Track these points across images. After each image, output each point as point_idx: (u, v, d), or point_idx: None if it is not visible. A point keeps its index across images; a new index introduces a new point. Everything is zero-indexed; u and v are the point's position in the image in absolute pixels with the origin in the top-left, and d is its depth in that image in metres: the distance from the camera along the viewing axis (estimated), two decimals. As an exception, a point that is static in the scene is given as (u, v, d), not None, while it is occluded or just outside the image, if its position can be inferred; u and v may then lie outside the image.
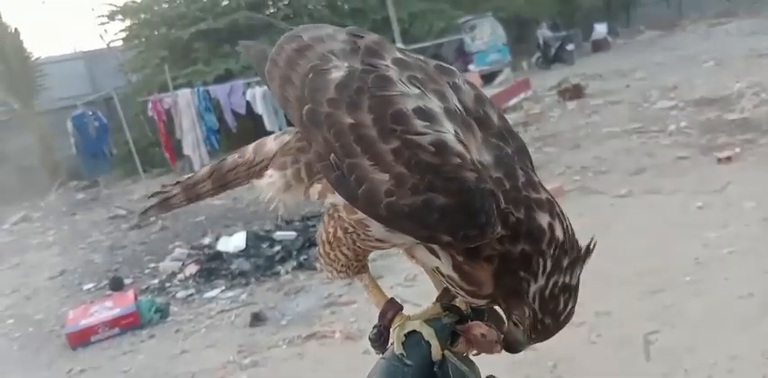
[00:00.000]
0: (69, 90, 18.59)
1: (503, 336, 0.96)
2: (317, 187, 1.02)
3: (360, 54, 0.96)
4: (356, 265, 1.08)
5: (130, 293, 7.09)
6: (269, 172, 1.12)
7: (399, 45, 10.87)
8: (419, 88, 0.91)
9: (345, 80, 0.92)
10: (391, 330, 0.99)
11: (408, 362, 0.92)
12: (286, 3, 20.65)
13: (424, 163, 0.84)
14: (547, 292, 0.87)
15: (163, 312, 6.75)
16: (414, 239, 0.90)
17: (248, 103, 13.06)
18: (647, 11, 28.22)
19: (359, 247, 1.02)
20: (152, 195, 1.30)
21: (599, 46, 23.58)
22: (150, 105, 13.50)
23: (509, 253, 0.86)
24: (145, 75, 18.86)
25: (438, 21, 20.62)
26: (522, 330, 0.92)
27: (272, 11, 20.63)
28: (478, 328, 0.97)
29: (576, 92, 14.23)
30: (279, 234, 8.13)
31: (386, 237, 0.94)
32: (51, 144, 18.16)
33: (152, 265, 8.63)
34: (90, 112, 12.91)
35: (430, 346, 0.94)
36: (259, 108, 12.83)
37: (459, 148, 0.86)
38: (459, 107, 0.92)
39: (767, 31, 18.02)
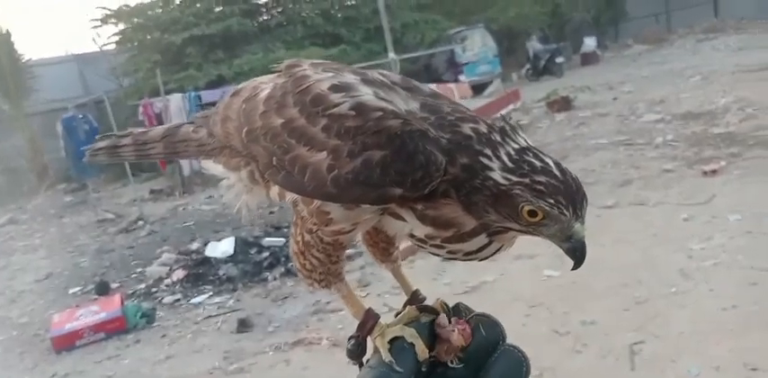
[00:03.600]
0: (60, 92, 18.54)
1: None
2: (275, 189, 1.05)
3: (283, 73, 1.03)
4: (333, 270, 1.07)
5: (117, 298, 7.05)
6: (223, 171, 1.16)
7: (392, 54, 10.90)
8: (333, 73, 0.97)
9: (271, 93, 0.99)
10: (371, 340, 0.98)
11: (398, 369, 0.90)
12: (280, 10, 20.73)
13: (351, 127, 0.87)
14: (509, 163, 0.85)
15: (149, 317, 6.72)
16: (372, 207, 0.91)
17: (239, 109, 13.04)
18: (635, 25, 28.55)
19: (328, 244, 1.02)
20: (102, 137, 1.35)
21: (588, 59, 23.84)
22: (141, 109, 13.44)
23: (456, 177, 0.86)
24: (136, 79, 18.88)
25: (430, 31, 20.80)
26: (550, 224, 0.87)
27: (265, 18, 20.72)
28: (447, 323, 0.95)
29: (564, 104, 14.35)
30: (267, 240, 8.13)
31: (348, 217, 0.94)
32: (40, 146, 18.07)
33: (139, 269, 8.59)
34: (80, 115, 12.77)
35: (415, 348, 0.92)
36: (249, 114, 12.82)
37: (378, 103, 0.89)
38: (381, 78, 0.97)
39: (753, 47, 18.27)
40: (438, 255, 0.96)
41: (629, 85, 16.04)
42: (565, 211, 0.85)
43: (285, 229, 8.56)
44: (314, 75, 0.97)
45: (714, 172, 7.73)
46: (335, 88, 0.92)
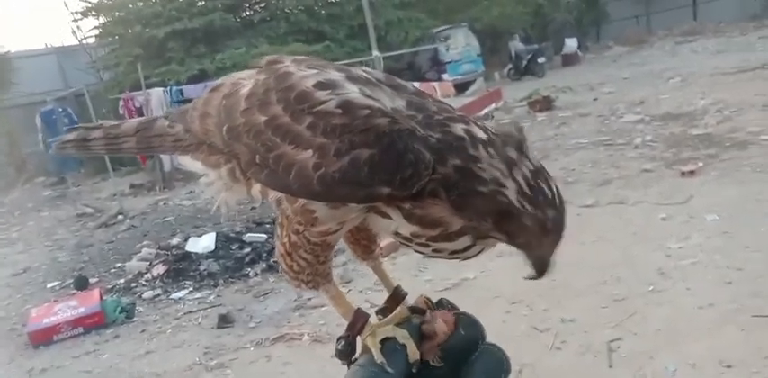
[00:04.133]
0: (39, 85, 18.34)
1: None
2: (257, 187, 1.03)
3: (263, 69, 1.02)
4: (321, 270, 1.06)
5: (96, 292, 6.98)
6: (201, 168, 1.13)
7: (375, 52, 10.90)
8: (317, 69, 0.96)
9: (253, 89, 0.98)
10: (361, 340, 0.98)
11: (389, 370, 0.89)
12: (263, 6, 20.62)
13: (338, 126, 0.86)
14: (525, 188, 0.84)
15: (128, 312, 6.67)
16: (358, 206, 0.90)
17: (221, 105, 12.95)
18: (616, 27, 28.83)
19: (315, 245, 1.01)
20: (71, 129, 1.31)
21: (569, 60, 24.01)
22: (122, 103, 13.32)
23: (446, 177, 0.85)
24: (117, 72, 18.68)
25: (414, 29, 20.84)
26: (536, 250, 0.88)
27: (248, 13, 20.61)
28: (438, 317, 0.96)
29: (545, 104, 14.46)
30: (249, 236, 8.10)
31: (333, 216, 0.93)
32: (19, 139, 17.83)
33: (118, 264, 8.52)
34: (60, 109, 12.67)
35: (406, 349, 0.92)
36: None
37: (366, 101, 0.88)
38: (366, 76, 0.95)
39: (731, 50, 18.54)
40: (423, 253, 0.96)
41: (610, 85, 16.19)
42: (555, 246, 0.88)
43: (267, 225, 8.54)
44: (298, 71, 0.95)
45: (692, 172, 7.84)
46: (321, 85, 0.91)
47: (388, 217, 0.91)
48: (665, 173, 8.17)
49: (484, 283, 5.74)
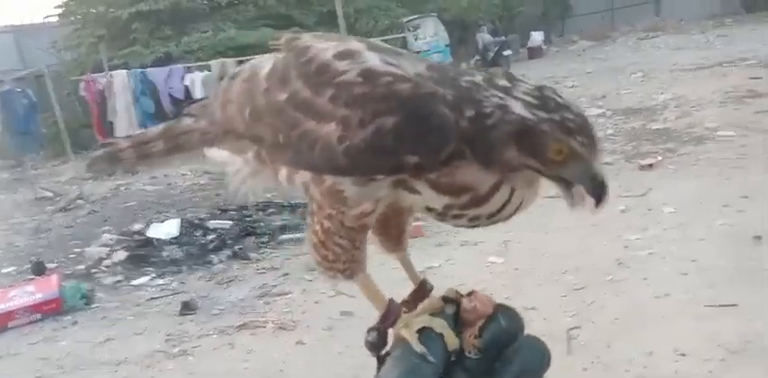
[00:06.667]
0: (-4, 65, 17.76)
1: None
2: (283, 173, 0.99)
3: (282, 47, 0.99)
4: (357, 257, 1.01)
5: (54, 278, 6.83)
6: (228, 156, 1.10)
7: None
8: (337, 41, 0.94)
9: (272, 68, 0.96)
10: (396, 331, 0.96)
11: (431, 359, 0.88)
12: (232, -12, 20.29)
13: (359, 95, 0.84)
14: (531, 99, 0.83)
15: (88, 299, 6.57)
16: (386, 181, 0.87)
17: (187, 89, 12.78)
18: (581, 21, 29.11)
19: (351, 229, 0.96)
20: (101, 145, 1.29)
21: (534, 53, 24.17)
22: (83, 85, 13.03)
23: (466, 132, 0.83)
24: (79, 53, 18.25)
25: (383, 18, 20.80)
26: (574, 165, 0.86)
27: (217, -4, 20.24)
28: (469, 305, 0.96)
29: (511, 96, 14.55)
30: (213, 223, 8.05)
31: (363, 194, 0.90)
32: (-28, 121, 17.29)
33: (78, 250, 8.36)
34: (18, 89, 12.30)
35: (443, 338, 0.91)
36: (198, 93, 12.52)
37: (387, 68, 0.86)
38: (386, 46, 0.94)
39: (691, 47, 18.87)
40: (460, 225, 0.93)
41: (573, 79, 16.36)
42: (591, 149, 0.85)
43: (232, 212, 8.49)
44: (317, 44, 0.93)
45: (650, 166, 8.04)
46: (341, 55, 0.88)
47: (417, 192, 0.89)
48: (624, 166, 8.34)
49: (448, 272, 5.80)
